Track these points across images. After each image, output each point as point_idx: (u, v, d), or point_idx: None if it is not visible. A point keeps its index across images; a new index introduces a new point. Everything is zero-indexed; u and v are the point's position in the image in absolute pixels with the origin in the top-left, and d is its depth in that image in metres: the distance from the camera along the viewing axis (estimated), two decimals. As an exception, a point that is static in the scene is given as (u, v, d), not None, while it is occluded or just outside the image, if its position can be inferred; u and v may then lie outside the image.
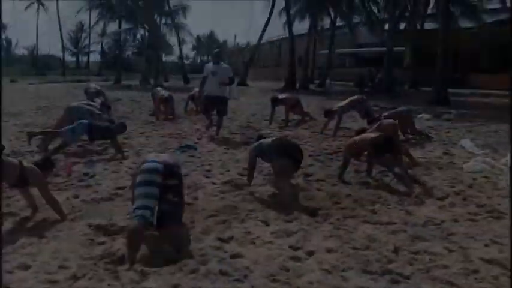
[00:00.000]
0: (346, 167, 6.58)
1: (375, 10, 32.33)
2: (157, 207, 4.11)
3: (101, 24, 45.07)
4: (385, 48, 35.79)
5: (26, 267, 3.67)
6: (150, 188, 4.07)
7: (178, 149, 8.56)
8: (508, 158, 7.31)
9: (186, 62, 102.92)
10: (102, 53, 68.32)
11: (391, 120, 8.33)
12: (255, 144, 6.03)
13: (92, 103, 10.13)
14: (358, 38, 43.04)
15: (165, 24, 37.93)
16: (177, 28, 38.06)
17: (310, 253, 4.00)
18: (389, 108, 11.09)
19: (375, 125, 7.90)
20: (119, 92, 25.14)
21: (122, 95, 22.31)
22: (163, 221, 4.15)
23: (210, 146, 8.96)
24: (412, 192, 5.71)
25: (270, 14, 34.76)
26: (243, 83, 31.45)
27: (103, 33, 46.24)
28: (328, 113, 10.92)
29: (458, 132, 10.94)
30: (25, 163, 4.77)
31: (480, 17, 27.94)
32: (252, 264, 3.75)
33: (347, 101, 11.12)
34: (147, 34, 37.30)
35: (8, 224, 4.62)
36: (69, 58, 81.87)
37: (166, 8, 37.48)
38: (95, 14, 39.12)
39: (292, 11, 34.39)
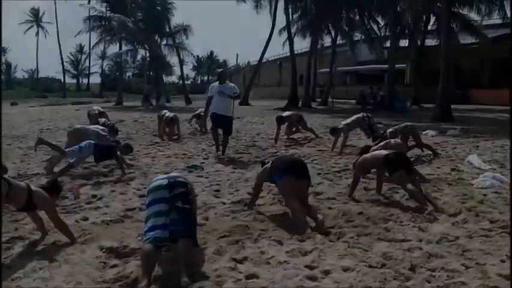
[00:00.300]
0: (356, 184, 6.56)
1: (375, 28, 32.54)
2: (169, 219, 4.08)
3: (101, 46, 45.69)
4: (385, 66, 36.24)
5: None
6: (157, 206, 4.13)
7: (184, 169, 8.54)
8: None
9: (186, 82, 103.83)
10: (103, 74, 68.73)
11: (398, 140, 8.32)
12: (262, 170, 5.97)
13: (98, 126, 10.15)
14: (357, 56, 43.41)
15: (166, 44, 38.05)
16: (178, 48, 38.24)
17: (327, 272, 3.95)
18: (393, 125, 11.06)
19: (382, 143, 7.88)
20: (121, 113, 25.19)
21: (124, 116, 22.35)
22: (175, 232, 4.06)
23: (217, 166, 8.95)
24: (424, 208, 5.66)
25: (271, 32, 35.02)
26: (245, 103, 31.49)
27: (103, 56, 46.69)
28: (334, 131, 10.92)
29: (464, 148, 10.92)
30: (33, 187, 4.74)
31: (480, 33, 28.02)
32: (268, 284, 3.71)
33: (352, 118, 11.14)
34: (147, 55, 37.39)
35: (17, 248, 4.58)
36: (69, 80, 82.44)
37: (167, 29, 37.74)
38: (94, 35, 39.48)
39: (293, 29, 34.64)
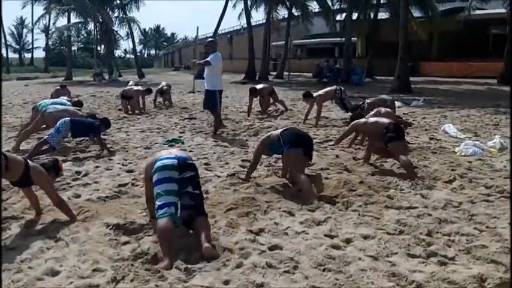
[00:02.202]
0: (346, 137, 6.72)
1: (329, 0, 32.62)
2: (179, 203, 4.03)
3: (44, 19, 43.80)
4: (336, 39, 36.54)
5: (55, 273, 3.45)
6: (169, 184, 4.00)
7: (165, 143, 8.36)
8: (495, 140, 7.53)
9: (132, 56, 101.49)
10: (47, 49, 65.91)
11: (388, 109, 8.40)
12: (263, 137, 5.89)
13: (65, 101, 9.73)
14: (308, 29, 43.51)
15: (117, 17, 36.87)
16: (129, 22, 37.13)
17: (348, 241, 3.96)
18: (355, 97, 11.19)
19: (372, 112, 7.92)
20: (74, 88, 24.26)
21: (78, 91, 21.54)
22: (188, 216, 4.01)
23: (197, 140, 8.80)
24: (415, 176, 5.77)
25: (226, 4, 34.49)
26: (201, 76, 31.01)
27: (47, 29, 44.72)
28: (307, 97, 10.91)
29: (433, 118, 11.22)
30: (30, 162, 4.49)
31: (431, 7, 28.58)
32: (295, 254, 3.68)
33: (325, 90, 11.19)
34: (97, 28, 36.08)
35: (14, 229, 4.33)
36: (11, 55, 78.73)
37: (118, 1, 36.52)
38: (38, 8, 37.76)
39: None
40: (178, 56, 79.80)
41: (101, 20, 34.34)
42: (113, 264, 3.58)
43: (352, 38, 30.48)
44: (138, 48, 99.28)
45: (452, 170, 6.22)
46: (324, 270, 3.43)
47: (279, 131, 5.82)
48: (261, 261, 3.54)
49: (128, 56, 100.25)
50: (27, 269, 3.49)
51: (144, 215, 4.65)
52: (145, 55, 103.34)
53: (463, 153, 7.10)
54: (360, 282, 3.25)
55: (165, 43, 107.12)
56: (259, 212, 4.69)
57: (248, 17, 32.86)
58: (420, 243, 3.87)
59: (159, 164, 4.10)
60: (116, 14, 37.32)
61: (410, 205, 4.84)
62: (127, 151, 7.83)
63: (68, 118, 7.72)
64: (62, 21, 38.88)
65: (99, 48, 41.16)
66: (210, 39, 10.14)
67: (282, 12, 36.22)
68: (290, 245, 3.87)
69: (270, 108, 12.80)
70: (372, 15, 31.39)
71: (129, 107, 12.99)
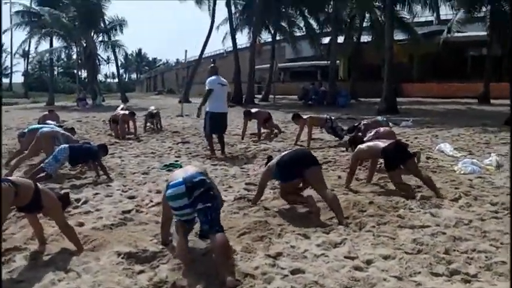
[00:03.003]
0: (353, 175, 6.60)
1: (314, 24, 33.07)
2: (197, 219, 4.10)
3: (24, 44, 43.33)
4: (319, 62, 37.00)
5: None
6: (182, 212, 4.13)
7: (163, 168, 8.26)
8: (491, 158, 7.63)
9: (115, 80, 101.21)
10: (26, 74, 65.18)
11: (387, 128, 8.44)
12: (270, 165, 5.83)
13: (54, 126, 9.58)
14: (286, 53, 44.00)
15: (102, 41, 36.71)
16: (114, 46, 37.02)
17: (369, 262, 3.93)
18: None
19: (372, 133, 7.93)
20: (58, 113, 23.91)
21: (63, 116, 21.16)
22: (206, 232, 3.99)
23: (195, 164, 8.68)
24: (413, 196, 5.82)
25: (211, 28, 34.68)
26: (186, 100, 30.95)
27: (26, 54, 44.28)
28: (297, 118, 11.00)
29: (425, 138, 11.33)
30: (39, 185, 4.36)
31: (412, 30, 29.20)
32: (319, 278, 3.63)
33: (318, 116, 11.27)
34: (79, 52, 35.83)
35: (20, 261, 4.14)
36: (-15, 80, 77.42)
37: (102, 25, 36.40)
38: (18, 33, 37.38)
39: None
40: (160, 79, 79.82)
41: (84, 45, 34.13)
42: (133, 293, 3.49)
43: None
44: (120, 72, 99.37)
45: (456, 188, 6.26)
46: (350, 292, 3.39)
47: (275, 160, 5.68)
48: (286, 286, 3.49)
49: (108, 80, 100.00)
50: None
51: (155, 242, 4.53)
52: (127, 79, 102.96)
53: (462, 172, 7.17)
54: (391, 302, 3.22)
55: (146, 67, 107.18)
56: (273, 235, 4.62)
57: (234, 40, 33.06)
58: (441, 262, 3.86)
59: (169, 193, 4.12)
60: (100, 38, 37.19)
61: (423, 224, 4.84)
62: (124, 177, 7.71)
63: (67, 145, 7.58)
64: (44, 46, 38.53)
65: (80, 72, 40.85)
66: (212, 64, 10.10)
67: (264, 36, 36.66)
68: (312, 268, 3.81)
69: (263, 131, 12.70)
70: (354, 39, 31.84)
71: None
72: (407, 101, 27.29)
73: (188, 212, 4.06)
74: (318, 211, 5.23)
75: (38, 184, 4.31)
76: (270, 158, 6.10)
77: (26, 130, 9.00)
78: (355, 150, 6.66)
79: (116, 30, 37.12)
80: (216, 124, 9.39)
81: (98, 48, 36.27)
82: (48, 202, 4.27)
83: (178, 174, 4.26)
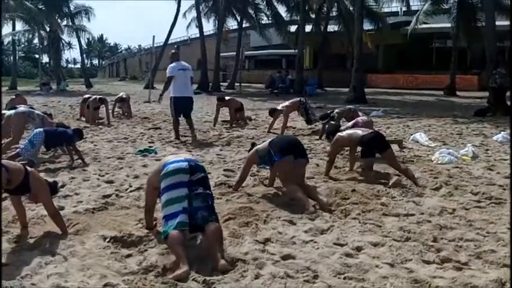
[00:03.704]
0: (332, 163, 6.62)
1: (282, 12, 33.07)
2: (188, 205, 3.84)
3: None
4: (284, 51, 37.10)
5: None
6: (177, 191, 3.87)
7: (138, 153, 8.12)
8: (467, 149, 7.78)
9: (76, 66, 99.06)
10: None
11: (365, 118, 8.50)
12: (253, 151, 5.79)
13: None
14: (251, 41, 43.92)
15: (66, 25, 35.78)
16: (77, 30, 36.17)
17: (359, 249, 3.94)
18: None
19: (350, 123, 7.98)
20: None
21: (29, 101, 20.57)
22: (202, 219, 3.83)
23: (169, 149, 8.59)
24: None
25: (176, 14, 34.21)
26: (152, 87, 30.53)
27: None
28: (273, 112, 10.93)
29: (397, 128, 11.50)
30: (29, 168, 4.22)
31: (382, 19, 29.48)
32: (310, 264, 3.61)
33: (291, 101, 11.23)
34: (43, 37, 34.90)
35: (4, 244, 3.93)
36: None
37: (66, 10, 35.48)
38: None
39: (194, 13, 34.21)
40: (123, 65, 78.55)
41: (48, 29, 33.21)
42: (124, 278, 3.40)
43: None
44: (79, 58, 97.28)
45: (435, 177, 6.35)
46: (344, 278, 3.39)
47: (267, 142, 5.68)
48: (279, 271, 3.45)
49: (69, 65, 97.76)
50: (30, 286, 3.25)
51: (139, 227, 4.46)
52: (89, 65, 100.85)
53: (439, 161, 7.28)
54: (386, 289, 3.23)
55: (108, 53, 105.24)
56: (259, 221, 4.59)
57: (201, 27, 32.70)
58: (430, 250, 3.90)
59: (169, 168, 3.95)
60: (64, 23, 36.25)
61: (407, 212, 4.88)
62: (99, 161, 7.56)
63: (42, 129, 7.36)
64: (6, 29, 37.35)
65: (42, 57, 39.80)
66: (173, 50, 10.17)
67: (230, 24, 36.46)
68: (302, 254, 3.80)
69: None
70: (321, 28, 31.95)
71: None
72: (373, 91, 27.59)
73: (183, 193, 3.84)
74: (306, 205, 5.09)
75: (28, 167, 4.17)
76: (253, 145, 6.05)
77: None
78: (335, 137, 6.66)
79: (81, 16, 36.23)
80: (180, 107, 9.53)
81: (62, 33, 35.35)
82: (37, 185, 4.18)
83: (176, 157, 4.18)
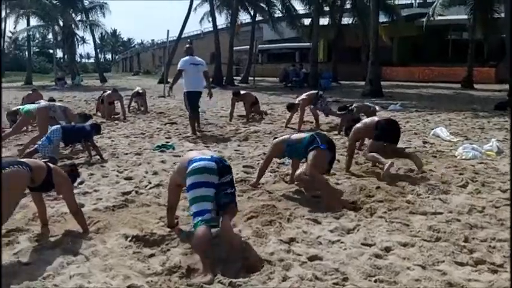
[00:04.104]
0: (352, 157, 6.52)
1: (296, 5, 32.82)
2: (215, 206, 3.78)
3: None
4: (297, 44, 36.80)
5: None
6: (206, 189, 3.74)
7: (155, 149, 8.05)
8: (491, 144, 7.58)
9: (89, 60, 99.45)
10: (1, 53, 63.53)
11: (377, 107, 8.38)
12: (278, 140, 5.68)
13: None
14: (264, 34, 43.61)
15: (80, 21, 35.84)
16: (91, 26, 36.21)
17: (388, 249, 3.82)
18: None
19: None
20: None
21: (44, 96, 20.74)
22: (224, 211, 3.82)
23: (187, 145, 8.52)
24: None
25: (189, 8, 34.08)
26: (166, 81, 30.51)
27: (1, 33, 42.93)
28: (291, 107, 10.79)
29: (417, 122, 11.29)
30: (51, 164, 4.16)
31: (396, 12, 29.13)
32: (339, 265, 3.50)
33: (307, 93, 11.07)
34: (56, 32, 34.98)
35: (24, 242, 3.96)
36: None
37: (80, 5, 35.58)
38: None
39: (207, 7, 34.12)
40: (136, 60, 78.67)
41: (62, 24, 33.28)
42: (147, 279, 3.33)
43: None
44: (93, 52, 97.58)
45: (460, 174, 6.18)
46: (375, 281, 3.28)
47: (302, 134, 5.64)
48: (306, 273, 3.35)
49: (83, 60, 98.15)
50: (53, 287, 3.19)
51: (161, 225, 4.38)
52: (102, 59, 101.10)
53: (463, 157, 7.10)
54: (420, 293, 3.11)
55: (121, 47, 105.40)
56: (282, 220, 4.49)
57: (214, 20, 32.53)
58: (462, 251, 3.76)
59: (195, 166, 3.80)
60: (78, 18, 36.31)
61: (435, 210, 4.74)
62: (117, 157, 7.51)
63: (59, 126, 7.33)
64: (21, 25, 37.61)
65: (56, 52, 39.94)
66: (187, 45, 10.21)
67: (242, 17, 36.29)
68: (330, 255, 3.69)
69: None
70: (336, 21, 31.64)
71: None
72: (388, 84, 27.27)
73: (211, 193, 3.73)
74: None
75: (49, 164, 4.10)
76: (276, 139, 5.93)
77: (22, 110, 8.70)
78: (352, 130, 6.55)
79: (96, 11, 36.30)
80: (192, 101, 9.68)
81: (77, 28, 35.45)
82: (60, 182, 4.13)
83: (201, 154, 4.05)
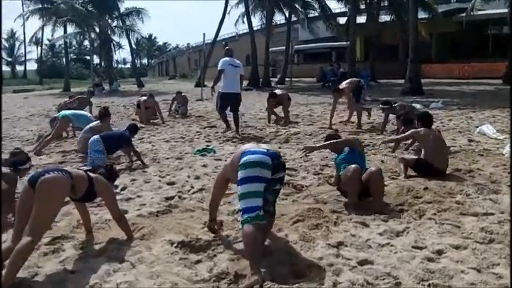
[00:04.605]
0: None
1: (330, 5, 32.60)
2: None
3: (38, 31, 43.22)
4: (333, 43, 36.51)
5: None
6: (258, 185, 3.57)
7: (196, 153, 8.08)
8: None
9: (125, 66, 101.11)
10: (39, 61, 65.41)
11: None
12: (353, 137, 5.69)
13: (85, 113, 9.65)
14: (300, 35, 43.42)
15: (116, 27, 36.51)
16: (127, 31, 36.81)
17: (440, 252, 3.70)
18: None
19: None
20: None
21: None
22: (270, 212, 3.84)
23: (228, 148, 8.51)
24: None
25: (224, 11, 34.28)
26: (203, 84, 30.73)
27: (38, 41, 44.35)
28: (336, 91, 10.91)
29: (461, 120, 11.02)
30: (91, 173, 4.18)
31: (432, 8, 28.58)
32: (391, 269, 3.41)
33: (348, 81, 11.11)
34: (93, 38, 35.73)
35: (69, 250, 3.99)
36: (3, 68, 78.59)
37: (116, 12, 36.26)
38: (31, 21, 37.07)
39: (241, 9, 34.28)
40: (172, 64, 79.58)
41: (98, 30, 33.96)
42: (195, 286, 3.31)
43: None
44: (129, 57, 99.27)
45: (510, 173, 5.98)
46: (429, 285, 3.17)
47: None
48: (358, 279, 3.27)
49: (119, 65, 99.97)
50: (101, 295, 3.19)
51: (206, 231, 4.35)
52: (138, 64, 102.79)
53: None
54: (477, 298, 3.00)
55: (157, 52, 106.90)
56: (329, 223, 4.41)
57: (250, 22, 32.54)
58: (518, 253, 3.61)
59: (250, 158, 3.63)
60: (114, 24, 36.97)
61: (486, 211, 4.59)
62: (159, 162, 7.55)
63: (98, 136, 7.34)
64: (58, 32, 38.48)
65: (93, 58, 40.78)
66: (227, 47, 10.33)
67: (277, 18, 36.27)
68: (380, 259, 3.60)
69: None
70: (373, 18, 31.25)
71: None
72: (428, 81, 26.74)
73: (261, 188, 3.57)
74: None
75: (90, 173, 4.12)
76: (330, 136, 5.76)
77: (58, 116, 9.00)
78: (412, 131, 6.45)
79: (133, 17, 36.90)
80: (227, 103, 9.91)
81: (114, 34, 36.11)
82: (102, 190, 4.13)
83: (256, 146, 3.94)
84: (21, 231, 3.51)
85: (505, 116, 11.47)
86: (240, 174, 3.62)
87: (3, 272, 3.28)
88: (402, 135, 6.62)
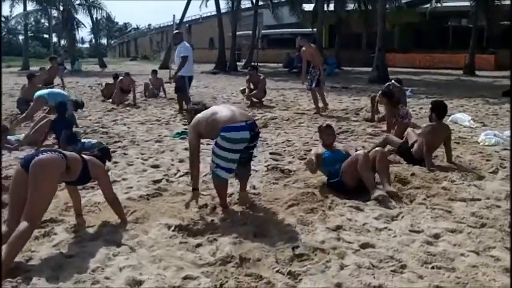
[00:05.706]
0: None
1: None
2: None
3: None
4: (299, 30, 36.53)
5: (139, 283, 3.10)
6: (235, 155, 4.19)
7: (175, 136, 7.99)
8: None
9: (84, 45, 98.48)
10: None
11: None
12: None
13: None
14: (264, 20, 43.31)
15: (79, 4, 35.42)
16: (91, 8, 35.76)
17: (437, 236, 3.82)
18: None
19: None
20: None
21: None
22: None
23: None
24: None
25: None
26: (166, 66, 30.24)
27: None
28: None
29: (430, 108, 11.21)
30: (84, 155, 4.06)
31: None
32: (393, 253, 3.50)
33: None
34: (55, 17, 34.60)
35: (62, 233, 3.90)
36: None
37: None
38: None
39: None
40: (133, 45, 77.97)
41: (61, 8, 32.86)
42: (202, 270, 3.29)
43: (315, 29, 30.23)
44: (89, 37, 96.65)
45: (488, 160, 6.19)
46: (433, 267, 3.28)
47: None
48: (363, 261, 3.34)
49: (78, 45, 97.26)
50: (104, 280, 3.13)
51: (201, 214, 4.33)
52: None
53: (486, 143, 7.09)
54: (482, 279, 3.11)
55: (117, 32, 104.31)
56: (324, 207, 4.47)
57: (218, 4, 32.07)
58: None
59: (234, 135, 4.09)
60: (78, 2, 35.85)
61: (473, 197, 4.74)
62: (138, 144, 7.44)
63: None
64: (18, 9, 37.06)
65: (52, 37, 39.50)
66: (176, 31, 10.55)
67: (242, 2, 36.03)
68: (381, 243, 3.69)
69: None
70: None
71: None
72: (391, 71, 27.08)
73: (237, 156, 4.22)
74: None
75: (84, 156, 4.02)
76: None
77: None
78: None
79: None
80: (189, 86, 10.50)
81: (76, 12, 34.97)
82: (97, 172, 4.03)
83: (235, 116, 4.18)
84: (15, 215, 3.44)
85: (473, 105, 11.84)
86: (221, 142, 4.13)
87: (3, 253, 3.18)
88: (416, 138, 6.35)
